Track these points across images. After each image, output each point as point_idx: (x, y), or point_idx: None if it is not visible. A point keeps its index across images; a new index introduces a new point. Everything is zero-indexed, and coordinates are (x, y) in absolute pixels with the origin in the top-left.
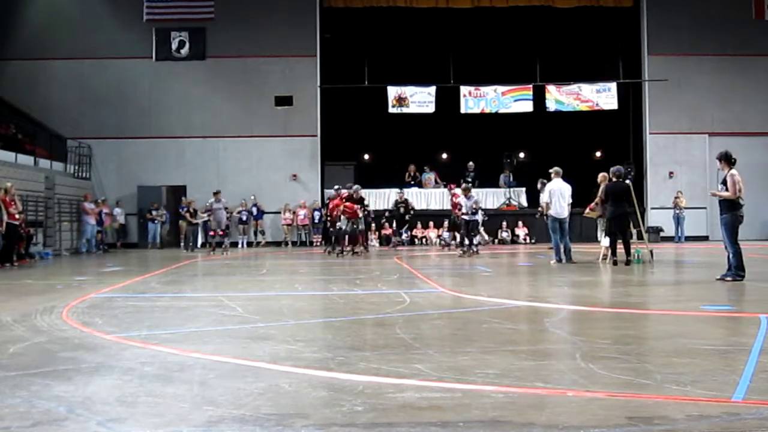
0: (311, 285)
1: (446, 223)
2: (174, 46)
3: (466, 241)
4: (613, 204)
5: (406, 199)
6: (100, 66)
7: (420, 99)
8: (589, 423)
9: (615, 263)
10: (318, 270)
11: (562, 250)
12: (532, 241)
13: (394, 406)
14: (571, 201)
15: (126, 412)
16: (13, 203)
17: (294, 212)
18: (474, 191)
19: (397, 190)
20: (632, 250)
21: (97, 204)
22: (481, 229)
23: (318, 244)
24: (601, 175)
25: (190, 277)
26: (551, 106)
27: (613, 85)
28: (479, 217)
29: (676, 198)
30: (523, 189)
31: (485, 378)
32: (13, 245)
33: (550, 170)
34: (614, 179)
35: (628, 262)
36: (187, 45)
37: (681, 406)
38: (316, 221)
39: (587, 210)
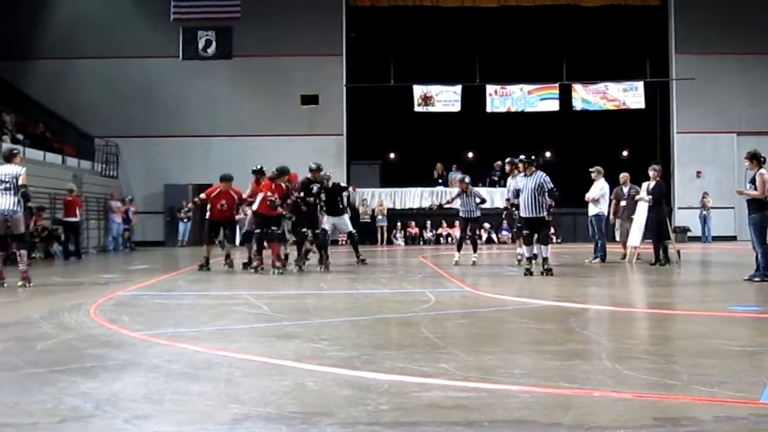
0: (336, 284)
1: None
2: (201, 45)
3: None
4: (661, 203)
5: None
6: (127, 65)
7: (446, 98)
8: (615, 423)
9: (663, 264)
10: (342, 269)
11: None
12: (558, 240)
13: (419, 405)
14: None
15: (152, 410)
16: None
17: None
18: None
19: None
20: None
21: (123, 202)
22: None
23: (343, 243)
24: (622, 175)
25: (216, 274)
26: (578, 105)
27: (640, 84)
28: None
29: (702, 198)
30: None
31: (511, 378)
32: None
33: (592, 169)
34: (659, 179)
35: (655, 263)
36: (214, 44)
37: (708, 407)
38: None
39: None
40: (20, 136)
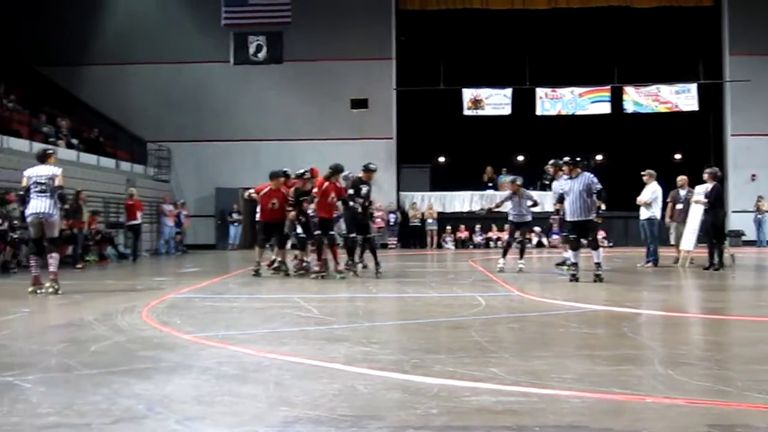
0: (385, 287)
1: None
2: (251, 50)
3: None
4: (717, 207)
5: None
6: (179, 70)
7: (496, 101)
8: (668, 430)
9: (717, 269)
10: (391, 272)
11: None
12: (610, 244)
13: (469, 410)
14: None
15: (203, 411)
16: (141, 206)
17: None
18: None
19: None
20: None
21: (175, 206)
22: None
23: (393, 246)
24: (680, 178)
25: (267, 278)
26: (629, 107)
27: (693, 86)
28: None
29: (757, 201)
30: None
31: (561, 383)
32: (139, 244)
33: (644, 173)
34: (716, 182)
35: (709, 267)
36: (265, 49)
37: (763, 414)
38: (392, 224)
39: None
40: (75, 141)
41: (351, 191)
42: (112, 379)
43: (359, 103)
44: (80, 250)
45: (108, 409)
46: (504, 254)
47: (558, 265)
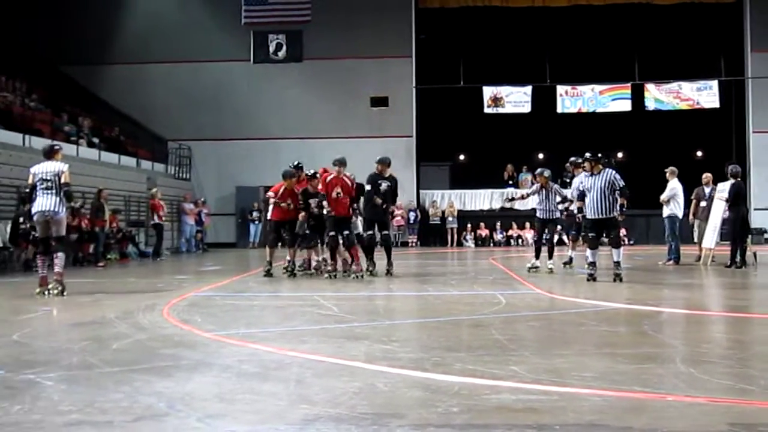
0: (405, 285)
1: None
2: (271, 48)
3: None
4: (739, 204)
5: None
6: (199, 69)
7: (516, 99)
8: (689, 428)
9: (739, 266)
10: (411, 270)
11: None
12: (631, 242)
13: (489, 408)
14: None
15: (224, 409)
16: (161, 206)
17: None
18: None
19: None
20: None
21: (196, 204)
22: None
23: (414, 244)
24: (705, 176)
25: (285, 277)
26: (650, 104)
27: (715, 83)
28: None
29: None
30: None
31: (582, 381)
32: (161, 243)
33: (666, 170)
34: (738, 179)
35: (731, 265)
36: (285, 47)
37: None
38: (411, 221)
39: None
40: (96, 140)
41: (369, 187)
42: (134, 376)
43: (379, 101)
44: (102, 248)
45: (129, 406)
46: (537, 254)
47: (565, 264)
